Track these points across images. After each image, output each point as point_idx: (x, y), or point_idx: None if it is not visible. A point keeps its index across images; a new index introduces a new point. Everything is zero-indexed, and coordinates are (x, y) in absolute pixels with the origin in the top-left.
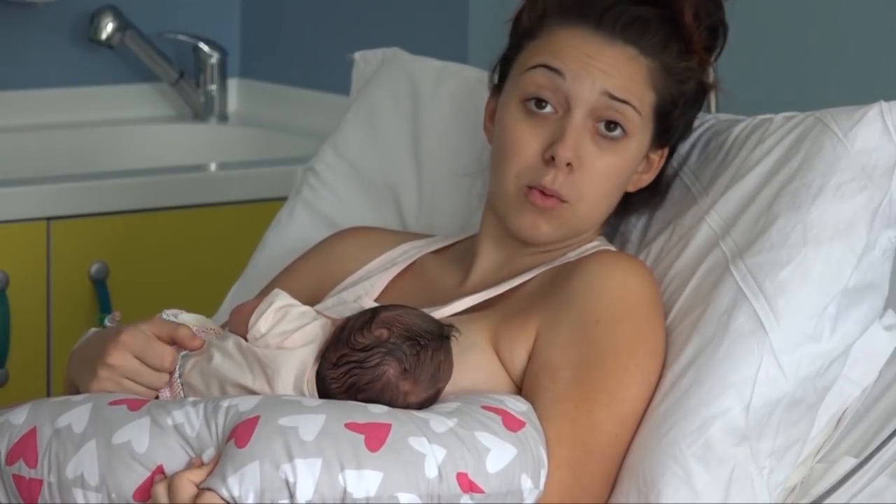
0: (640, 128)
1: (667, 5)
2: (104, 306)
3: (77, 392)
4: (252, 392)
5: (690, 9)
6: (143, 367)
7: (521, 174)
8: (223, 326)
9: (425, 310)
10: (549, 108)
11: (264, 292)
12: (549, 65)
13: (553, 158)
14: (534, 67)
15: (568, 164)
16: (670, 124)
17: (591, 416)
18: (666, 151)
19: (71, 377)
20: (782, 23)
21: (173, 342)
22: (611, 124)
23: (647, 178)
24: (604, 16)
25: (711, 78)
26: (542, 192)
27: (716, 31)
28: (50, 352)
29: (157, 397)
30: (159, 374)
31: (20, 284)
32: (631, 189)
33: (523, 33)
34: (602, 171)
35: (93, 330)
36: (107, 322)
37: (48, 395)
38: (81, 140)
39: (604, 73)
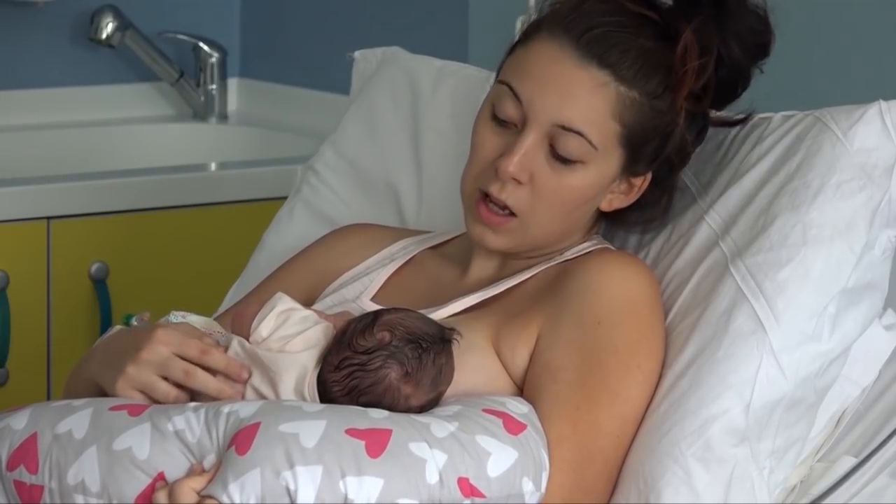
0: (597, 156)
1: (667, 33)
2: (104, 306)
3: (87, 390)
4: (258, 392)
5: (684, 42)
6: (175, 360)
7: (478, 177)
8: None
9: (425, 307)
10: (510, 119)
11: (261, 288)
12: (512, 86)
13: (497, 170)
14: (501, 82)
15: (514, 179)
16: (642, 156)
17: (592, 417)
18: (648, 178)
19: (90, 375)
20: (780, 21)
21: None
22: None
23: (625, 200)
24: (585, 34)
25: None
26: (487, 207)
27: (728, 74)
28: (50, 352)
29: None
30: (188, 369)
31: (20, 284)
32: (605, 208)
33: (520, 37)
34: (554, 189)
35: (118, 327)
36: (134, 321)
37: (48, 394)
38: (81, 140)
39: (561, 100)
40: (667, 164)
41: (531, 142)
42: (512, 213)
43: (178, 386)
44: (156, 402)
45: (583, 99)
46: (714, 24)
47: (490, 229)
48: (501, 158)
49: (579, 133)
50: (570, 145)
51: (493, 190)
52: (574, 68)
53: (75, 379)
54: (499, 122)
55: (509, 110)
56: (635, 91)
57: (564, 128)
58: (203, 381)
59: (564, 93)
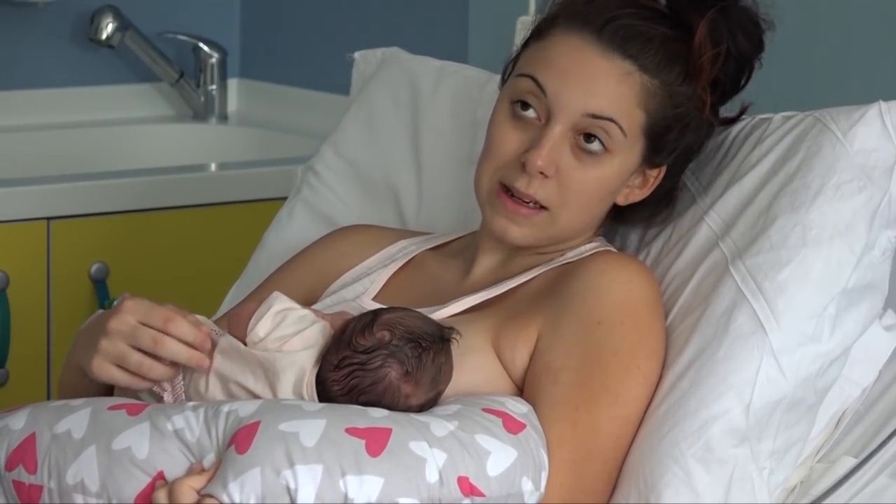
0: (624, 145)
1: (679, 25)
2: (104, 306)
3: (76, 377)
4: (253, 393)
5: (701, 32)
6: (143, 328)
7: (498, 171)
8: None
9: (426, 307)
10: (532, 114)
11: (261, 289)
12: (536, 78)
13: (525, 165)
14: (523, 75)
15: (541, 173)
16: (664, 146)
17: (592, 418)
18: (663, 170)
19: (76, 360)
20: (780, 21)
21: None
22: (590, 137)
23: (640, 194)
24: (606, 26)
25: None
26: (512, 198)
27: (734, 67)
28: (50, 352)
29: (161, 400)
30: (156, 337)
31: (20, 284)
32: (621, 202)
33: (533, 32)
34: (581, 182)
35: (99, 311)
36: (115, 304)
37: (48, 394)
38: (81, 140)
39: (588, 90)
40: (683, 154)
41: (558, 134)
42: (541, 207)
43: (160, 361)
44: (132, 373)
45: (610, 88)
46: (723, 18)
47: (513, 221)
48: (529, 152)
49: (611, 119)
50: (599, 131)
51: (520, 185)
52: (598, 58)
53: (66, 368)
54: (519, 116)
55: (532, 99)
56: (658, 80)
57: (595, 116)
58: (172, 349)
59: (591, 83)
